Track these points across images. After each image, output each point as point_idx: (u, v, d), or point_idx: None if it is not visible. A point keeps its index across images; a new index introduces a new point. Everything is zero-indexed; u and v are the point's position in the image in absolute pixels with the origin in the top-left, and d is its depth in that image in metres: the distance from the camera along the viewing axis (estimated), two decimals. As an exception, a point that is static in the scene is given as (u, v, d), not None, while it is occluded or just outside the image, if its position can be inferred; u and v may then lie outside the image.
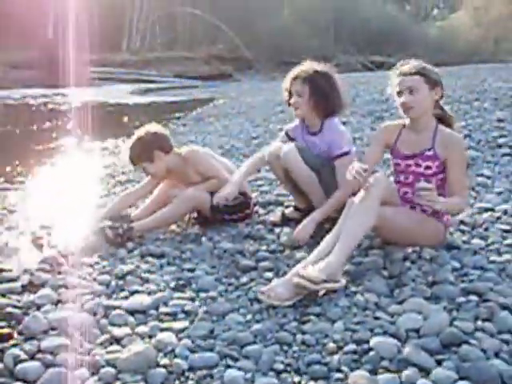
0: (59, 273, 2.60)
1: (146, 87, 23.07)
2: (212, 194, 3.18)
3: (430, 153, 2.53)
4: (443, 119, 2.62)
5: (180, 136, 7.85)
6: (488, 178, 3.74)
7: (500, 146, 4.61)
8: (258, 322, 2.07)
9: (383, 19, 48.25)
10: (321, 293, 2.20)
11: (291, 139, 3.19)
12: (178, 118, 10.94)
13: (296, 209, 3.29)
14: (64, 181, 5.13)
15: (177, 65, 33.18)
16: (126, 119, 11.63)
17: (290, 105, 3.13)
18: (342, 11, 46.62)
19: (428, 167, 2.55)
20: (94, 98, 16.12)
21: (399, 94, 2.55)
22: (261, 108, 10.68)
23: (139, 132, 3.32)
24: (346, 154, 2.98)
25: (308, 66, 3.10)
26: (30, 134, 9.71)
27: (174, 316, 2.15)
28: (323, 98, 3.02)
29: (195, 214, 3.37)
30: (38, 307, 2.22)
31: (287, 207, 3.47)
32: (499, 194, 3.38)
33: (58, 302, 2.28)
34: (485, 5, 45.46)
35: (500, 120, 5.75)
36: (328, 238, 2.42)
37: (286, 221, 3.23)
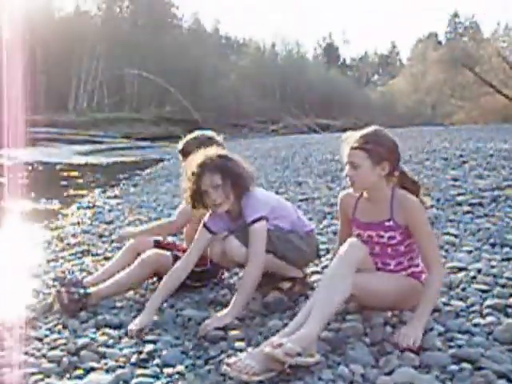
0: (1, 349, 2.29)
1: (93, 148, 22.70)
2: (174, 256, 2.97)
3: (390, 223, 2.41)
4: (407, 188, 2.50)
5: (132, 196, 7.61)
6: (455, 236, 3.68)
7: (460, 204, 4.61)
8: (234, 401, 1.84)
9: (327, 84, 50.23)
10: (291, 364, 1.97)
11: (214, 233, 2.77)
12: (128, 178, 10.69)
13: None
14: (5, 245, 4.77)
15: (125, 126, 33.13)
16: (69, 180, 11.26)
17: (194, 206, 2.75)
18: (287, 75, 48.26)
19: (391, 237, 2.43)
20: (37, 159, 15.68)
21: (346, 164, 2.43)
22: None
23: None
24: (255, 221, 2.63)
25: (205, 153, 2.70)
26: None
27: (137, 397, 1.90)
28: (238, 180, 2.67)
29: (154, 279, 3.13)
30: (-22, 392, 1.93)
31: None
32: (469, 252, 3.30)
33: (2, 384, 1.98)
34: (421, 71, 48.05)
35: (455, 179, 5.83)
36: (305, 308, 2.22)
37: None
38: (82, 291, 2.79)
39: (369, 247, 2.47)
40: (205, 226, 2.76)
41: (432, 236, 2.47)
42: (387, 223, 2.41)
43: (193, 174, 2.66)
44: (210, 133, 3.24)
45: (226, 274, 3.27)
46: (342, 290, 2.20)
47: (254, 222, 2.63)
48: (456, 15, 64.68)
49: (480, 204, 4.56)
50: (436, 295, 2.37)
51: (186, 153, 3.08)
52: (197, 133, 3.21)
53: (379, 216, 2.44)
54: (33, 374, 2.06)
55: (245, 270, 2.61)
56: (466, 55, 35.22)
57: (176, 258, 2.96)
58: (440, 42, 59.31)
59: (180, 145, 3.20)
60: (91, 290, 2.85)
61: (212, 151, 2.71)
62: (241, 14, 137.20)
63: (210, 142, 3.05)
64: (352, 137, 2.42)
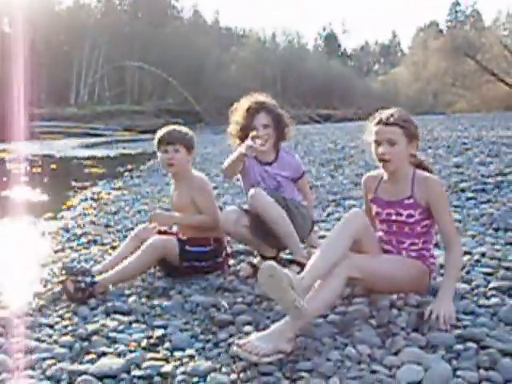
0: (14, 336, 2.33)
1: (94, 141, 22.71)
2: (180, 241, 3.01)
3: (410, 201, 2.44)
4: (420, 167, 2.54)
5: (135, 187, 7.65)
6: (459, 221, 3.71)
7: (463, 191, 4.64)
8: (244, 382, 1.87)
9: (328, 74, 50.05)
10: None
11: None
12: (131, 171, 10.72)
13: (263, 257, 3.15)
14: (13, 236, 4.82)
15: (126, 118, 33.08)
16: (73, 172, 11.30)
17: (241, 138, 3.07)
18: (288, 66, 48.08)
19: (410, 215, 2.45)
20: (39, 152, 15.72)
21: (377, 143, 2.43)
22: (215, 159, 10.61)
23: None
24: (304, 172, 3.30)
25: (261, 98, 3.14)
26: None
27: (149, 380, 1.94)
28: (284, 127, 3.12)
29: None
30: (-7, 376, 1.96)
31: (256, 256, 3.31)
32: (473, 237, 3.34)
33: (16, 369, 2.02)
34: (422, 60, 47.86)
35: (457, 166, 5.85)
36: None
37: (257, 271, 3.07)
38: (88, 280, 2.81)
39: (386, 225, 2.54)
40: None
41: (451, 215, 2.55)
42: (407, 201, 2.45)
43: (249, 108, 3.02)
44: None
45: (232, 261, 3.31)
46: (336, 249, 2.24)
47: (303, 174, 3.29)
48: (457, 3, 64.35)
49: (483, 190, 4.59)
50: (459, 271, 2.46)
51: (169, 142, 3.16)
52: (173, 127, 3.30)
53: (400, 194, 2.47)
54: (45, 359, 2.09)
55: None
56: (467, 44, 35.08)
57: (181, 243, 3.01)
58: (441, 31, 59.02)
59: (164, 135, 3.20)
60: (98, 278, 2.88)
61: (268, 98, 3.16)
62: (240, 4, 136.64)
63: (181, 134, 3.20)
64: (381, 115, 2.43)
